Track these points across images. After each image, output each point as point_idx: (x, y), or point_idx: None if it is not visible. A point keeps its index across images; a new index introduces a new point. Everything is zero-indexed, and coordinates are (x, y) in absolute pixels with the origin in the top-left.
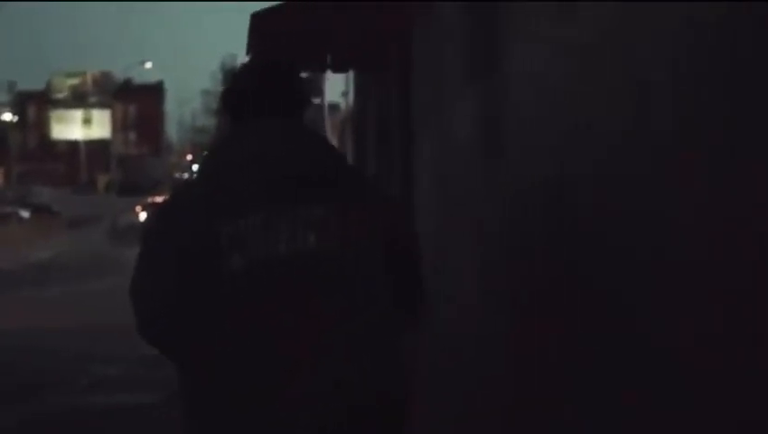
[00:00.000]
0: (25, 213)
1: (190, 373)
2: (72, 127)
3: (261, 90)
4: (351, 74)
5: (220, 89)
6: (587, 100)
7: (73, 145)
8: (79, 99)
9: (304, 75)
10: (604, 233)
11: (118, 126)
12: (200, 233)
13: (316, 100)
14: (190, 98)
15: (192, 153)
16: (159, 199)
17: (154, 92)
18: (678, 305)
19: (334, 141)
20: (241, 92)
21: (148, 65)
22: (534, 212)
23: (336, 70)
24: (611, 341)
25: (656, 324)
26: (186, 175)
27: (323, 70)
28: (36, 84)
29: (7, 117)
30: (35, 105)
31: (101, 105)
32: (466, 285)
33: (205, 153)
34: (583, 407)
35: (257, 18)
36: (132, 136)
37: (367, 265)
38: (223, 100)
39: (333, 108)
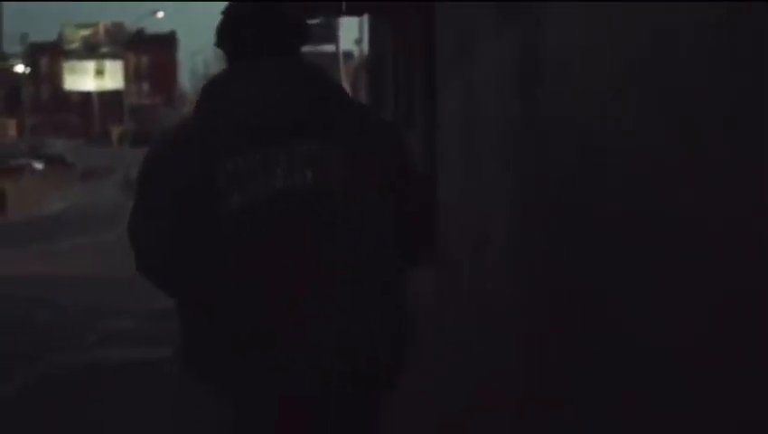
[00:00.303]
0: (39, 165)
1: (188, 315)
2: (85, 78)
3: (255, 28)
4: (365, 20)
5: None
6: (637, 38)
7: (86, 96)
8: (91, 50)
9: (314, 20)
10: (632, 200)
11: (131, 76)
12: (197, 172)
13: (330, 48)
14: (202, 47)
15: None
16: None
17: (167, 42)
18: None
19: (348, 89)
20: (235, 30)
21: (160, 15)
22: (570, 161)
23: (351, 13)
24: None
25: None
26: None
27: (337, 14)
28: (48, 36)
29: (20, 68)
30: (48, 56)
31: (113, 56)
32: (494, 244)
33: (202, 90)
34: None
35: None
36: (145, 86)
37: (368, 203)
38: (218, 37)
39: (347, 55)
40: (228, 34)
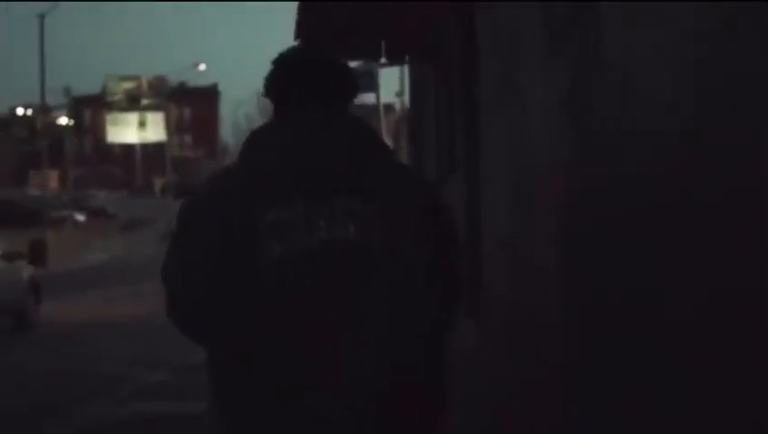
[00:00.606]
0: (80, 217)
1: (222, 365)
2: (128, 130)
3: (304, 79)
4: (405, 73)
5: None
6: (697, 65)
7: (129, 148)
8: (133, 103)
9: (354, 65)
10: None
11: (173, 129)
12: (237, 221)
13: (371, 98)
14: (244, 100)
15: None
16: None
17: (209, 95)
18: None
19: (389, 142)
20: (284, 80)
21: (202, 67)
22: (630, 190)
23: (390, 57)
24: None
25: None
26: None
27: (377, 59)
28: (91, 88)
29: (63, 121)
30: (91, 109)
31: (156, 108)
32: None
33: (246, 139)
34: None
35: (306, 2)
36: (187, 138)
37: (406, 259)
38: (266, 86)
39: (388, 108)
40: (276, 84)
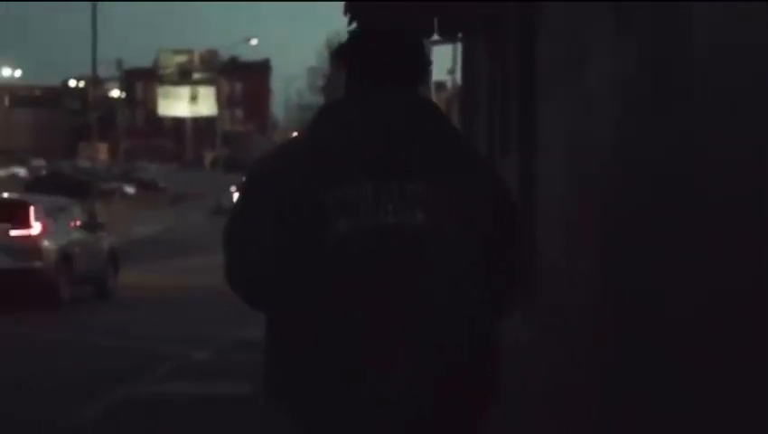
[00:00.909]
0: (130, 189)
1: (285, 340)
2: (179, 103)
3: (381, 56)
4: (458, 50)
5: (325, 66)
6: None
7: (180, 121)
8: (185, 76)
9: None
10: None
11: (224, 103)
12: (305, 194)
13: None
14: (296, 75)
15: (298, 131)
16: None
17: (260, 70)
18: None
19: None
20: (360, 55)
21: (254, 42)
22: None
23: (443, 34)
24: None
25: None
26: None
27: (429, 36)
28: (144, 62)
29: (115, 93)
30: (143, 82)
31: (207, 82)
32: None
33: (316, 113)
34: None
35: None
36: (238, 113)
37: (474, 248)
38: (338, 59)
39: (439, 86)
40: (352, 57)
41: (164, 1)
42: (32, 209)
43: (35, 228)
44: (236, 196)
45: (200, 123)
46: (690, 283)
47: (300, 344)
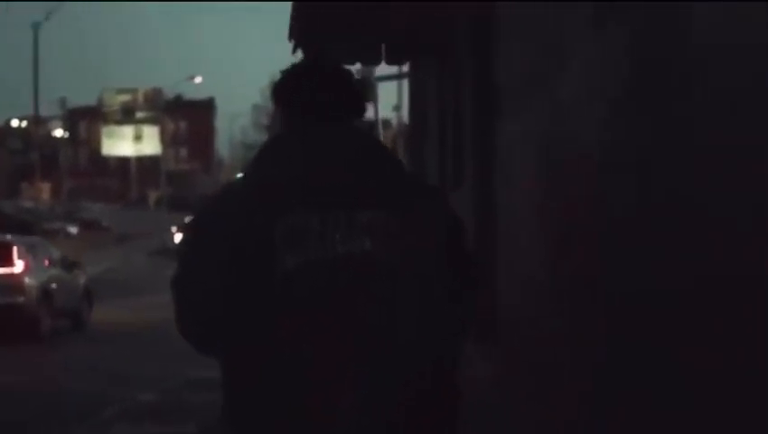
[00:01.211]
0: (73, 229)
1: (234, 377)
2: (123, 143)
3: (317, 90)
4: (404, 87)
5: (269, 104)
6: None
7: (124, 160)
8: (129, 115)
9: (356, 75)
10: None
11: (169, 142)
12: (251, 230)
13: (369, 115)
14: (240, 113)
15: (242, 169)
16: None
17: (205, 108)
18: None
19: None
20: (295, 89)
21: (198, 80)
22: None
23: (390, 62)
24: None
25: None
26: None
27: (376, 63)
28: (87, 100)
29: (58, 132)
30: (86, 121)
31: (151, 121)
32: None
33: (259, 150)
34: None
35: (300, 1)
36: (183, 152)
37: (427, 276)
38: (275, 94)
39: (384, 124)
40: (288, 92)
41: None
42: (14, 248)
43: (18, 266)
44: (177, 236)
45: (144, 162)
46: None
47: (247, 380)
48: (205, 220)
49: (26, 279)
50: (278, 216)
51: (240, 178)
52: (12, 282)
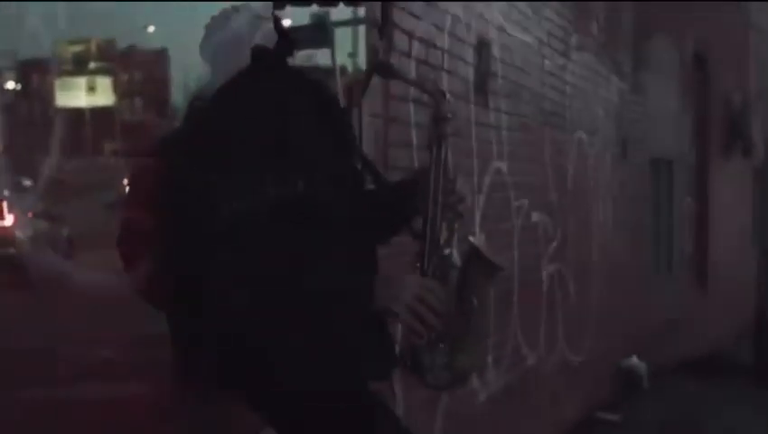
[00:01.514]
0: (28, 181)
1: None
2: (77, 94)
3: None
4: (360, 31)
5: None
6: None
7: (78, 112)
8: (82, 66)
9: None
10: None
11: (123, 93)
12: (195, 179)
13: (327, 61)
14: (195, 63)
15: None
16: None
17: (159, 58)
18: None
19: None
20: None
21: (151, 29)
22: None
23: (349, 2)
24: None
25: None
26: None
27: (334, 4)
28: (40, 53)
29: (10, 85)
30: (39, 73)
31: (105, 72)
32: None
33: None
34: None
35: None
36: (137, 102)
37: (355, 208)
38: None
39: (341, 70)
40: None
41: None
42: (4, 203)
43: (8, 220)
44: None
45: (97, 112)
46: None
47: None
48: (145, 182)
49: (17, 232)
50: (218, 164)
51: (172, 130)
52: (3, 235)
